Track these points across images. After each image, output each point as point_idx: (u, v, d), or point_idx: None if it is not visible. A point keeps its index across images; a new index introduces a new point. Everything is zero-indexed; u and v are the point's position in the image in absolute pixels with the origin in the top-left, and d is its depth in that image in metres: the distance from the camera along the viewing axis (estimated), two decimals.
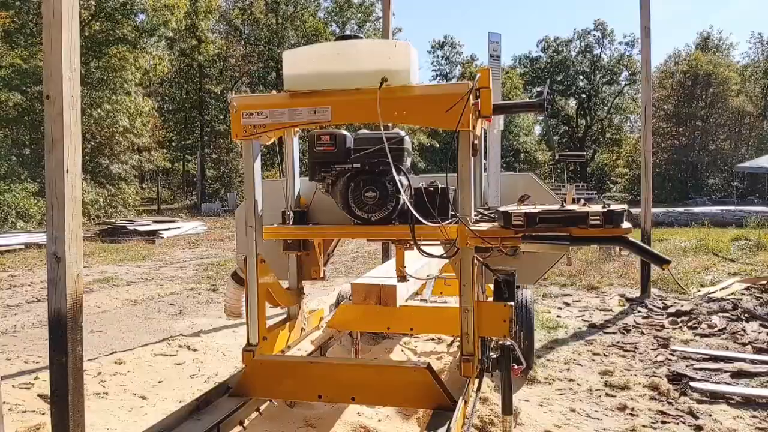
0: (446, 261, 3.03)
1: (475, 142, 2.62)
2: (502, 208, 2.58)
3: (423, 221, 2.51)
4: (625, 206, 2.42)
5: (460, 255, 2.50)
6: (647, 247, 2.60)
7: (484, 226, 2.58)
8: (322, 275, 3.31)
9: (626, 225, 2.32)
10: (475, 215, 2.70)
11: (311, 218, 3.15)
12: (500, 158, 3.76)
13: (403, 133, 2.80)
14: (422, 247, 2.63)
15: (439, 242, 2.68)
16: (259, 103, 2.62)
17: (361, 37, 2.69)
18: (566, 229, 2.32)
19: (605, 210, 2.26)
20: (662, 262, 2.39)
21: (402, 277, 3.28)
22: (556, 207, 2.53)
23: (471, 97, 2.39)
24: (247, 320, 2.73)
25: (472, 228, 2.47)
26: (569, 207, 2.47)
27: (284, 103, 2.58)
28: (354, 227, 2.79)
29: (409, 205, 2.49)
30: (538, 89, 2.84)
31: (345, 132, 2.86)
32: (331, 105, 2.52)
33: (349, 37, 2.67)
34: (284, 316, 3.34)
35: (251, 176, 2.66)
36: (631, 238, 2.32)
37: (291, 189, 3.12)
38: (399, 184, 2.61)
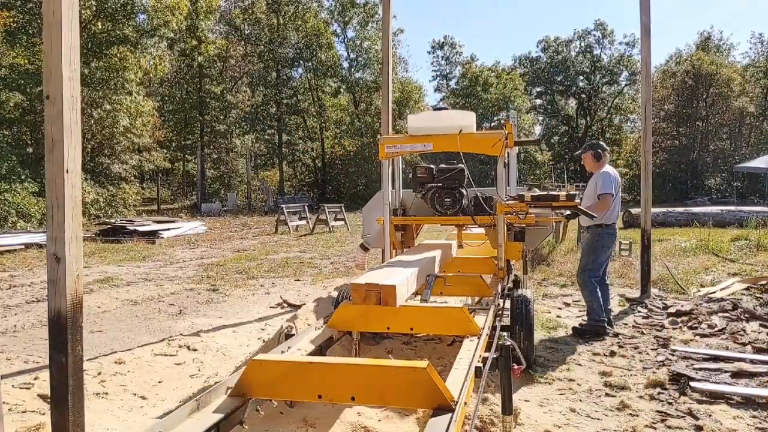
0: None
1: (505, 161, 4.96)
2: (519, 193, 4.82)
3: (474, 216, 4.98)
4: (578, 192, 4.79)
5: (498, 216, 4.67)
6: (584, 209, 4.75)
7: (511, 202, 4.64)
8: (413, 245, 5.46)
9: (577, 200, 4.43)
10: (505, 197, 4.79)
11: (408, 213, 5.67)
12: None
13: (464, 166, 5.04)
14: (468, 229, 5.85)
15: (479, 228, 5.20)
16: (395, 141, 5.05)
17: (447, 108, 5.12)
18: (549, 203, 4.43)
19: (567, 193, 4.38)
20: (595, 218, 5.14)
21: (460, 245, 5.73)
22: (545, 193, 4.72)
23: (504, 138, 4.63)
24: (383, 256, 5.26)
25: (504, 202, 4.63)
26: (552, 193, 4.55)
27: (407, 141, 5.00)
28: (437, 217, 5.27)
29: (470, 207, 5.12)
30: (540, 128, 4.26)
31: (432, 166, 5.30)
32: (432, 142, 4.85)
33: (440, 108, 5.09)
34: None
35: (388, 177, 5.14)
36: (579, 207, 4.56)
37: (398, 195, 5.61)
38: (462, 195, 5.07)
